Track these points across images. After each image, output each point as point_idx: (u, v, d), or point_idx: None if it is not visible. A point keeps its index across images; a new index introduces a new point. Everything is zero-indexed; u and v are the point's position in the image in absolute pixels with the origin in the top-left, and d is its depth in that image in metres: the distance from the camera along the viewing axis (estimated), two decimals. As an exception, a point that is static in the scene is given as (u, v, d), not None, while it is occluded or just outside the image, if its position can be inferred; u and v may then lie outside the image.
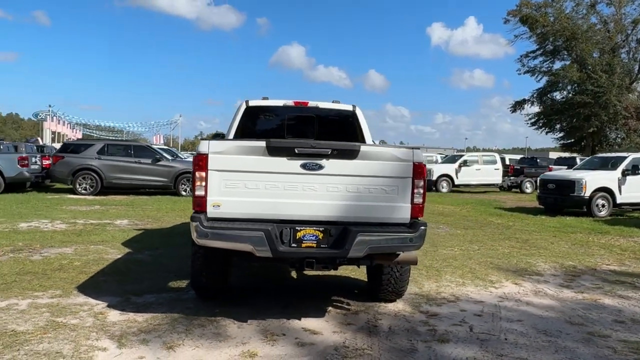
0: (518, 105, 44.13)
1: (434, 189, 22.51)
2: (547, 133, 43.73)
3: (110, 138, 72.48)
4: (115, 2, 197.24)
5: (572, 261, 7.75)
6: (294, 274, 6.30)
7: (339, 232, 4.12)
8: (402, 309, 5.03)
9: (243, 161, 4.10)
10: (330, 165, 4.13)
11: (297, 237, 4.14)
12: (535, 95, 42.53)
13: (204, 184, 4.07)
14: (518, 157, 33.28)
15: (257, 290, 5.67)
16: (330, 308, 4.98)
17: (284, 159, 4.09)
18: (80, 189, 15.74)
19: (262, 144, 4.07)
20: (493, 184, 24.05)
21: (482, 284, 6.13)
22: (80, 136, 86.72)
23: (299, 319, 4.59)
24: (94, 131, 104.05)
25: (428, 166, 24.02)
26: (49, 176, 16.60)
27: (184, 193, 16.37)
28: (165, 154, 17.41)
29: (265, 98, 6.41)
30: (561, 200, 14.65)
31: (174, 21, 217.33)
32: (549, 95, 42.08)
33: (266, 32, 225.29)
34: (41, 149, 20.60)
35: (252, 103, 6.31)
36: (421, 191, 4.24)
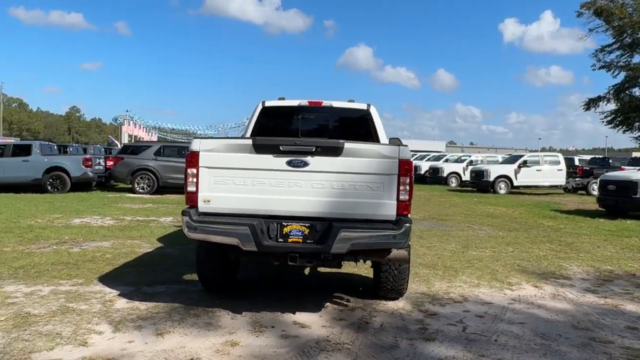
0: (592, 103, 41.67)
1: (491, 190, 21.85)
2: (624, 132, 41.09)
3: (168, 139, 75.56)
4: (189, 11, 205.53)
5: (611, 266, 7.33)
6: (306, 270, 6.41)
7: (324, 228, 4.20)
8: (402, 307, 5.01)
9: (231, 158, 4.27)
10: (315, 162, 4.21)
11: (284, 232, 4.25)
12: (611, 92, 40.01)
13: (195, 180, 4.28)
14: (591, 157, 31.64)
15: (265, 285, 5.84)
16: (328, 304, 5.05)
17: (270, 156, 4.22)
18: (138, 188, 16.68)
19: (249, 141, 4.23)
20: (556, 186, 22.95)
21: (498, 286, 5.96)
22: (155, 138, 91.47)
23: (294, 313, 4.70)
24: (168, 134, 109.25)
25: (485, 167, 23.42)
26: (111, 176, 17.71)
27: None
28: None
29: (281, 98, 6.56)
30: (622, 202, 13.76)
31: (244, 27, 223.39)
32: (627, 92, 39.48)
33: (333, 34, 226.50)
34: (109, 150, 21.96)
35: (268, 103, 6.49)
36: (407, 188, 4.22)
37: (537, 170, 22.56)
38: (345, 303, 5.10)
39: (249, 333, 4.18)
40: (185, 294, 5.20)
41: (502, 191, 22.04)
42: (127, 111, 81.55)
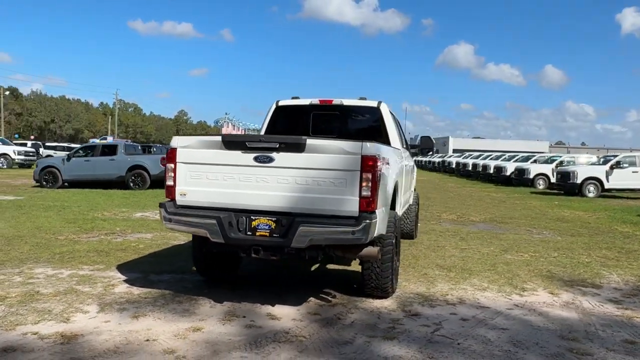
0: None
1: (578, 193, 20.33)
2: None
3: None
4: (287, 16, 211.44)
5: (662, 276, 6.63)
6: (313, 267, 6.50)
7: (288, 223, 4.29)
8: (386, 306, 4.95)
9: (205, 154, 4.50)
10: (280, 158, 4.32)
11: (252, 225, 4.40)
12: None
13: (172, 175, 4.57)
14: None
15: (265, 279, 6.02)
16: (313, 299, 5.11)
17: (239, 152, 4.40)
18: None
19: (219, 138, 4.44)
20: (656, 189, 20.80)
21: (508, 291, 5.66)
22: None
23: (273, 305, 4.83)
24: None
25: (572, 168, 21.81)
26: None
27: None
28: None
29: (295, 98, 6.72)
30: None
31: (341, 28, 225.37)
32: None
33: (432, 32, 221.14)
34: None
35: (281, 103, 6.68)
36: (369, 184, 4.19)
37: (634, 172, 20.60)
38: (330, 299, 5.13)
39: (218, 321, 4.37)
40: (184, 282, 5.53)
41: (591, 194, 20.40)
42: (225, 114, 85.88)
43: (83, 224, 9.33)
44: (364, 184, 4.19)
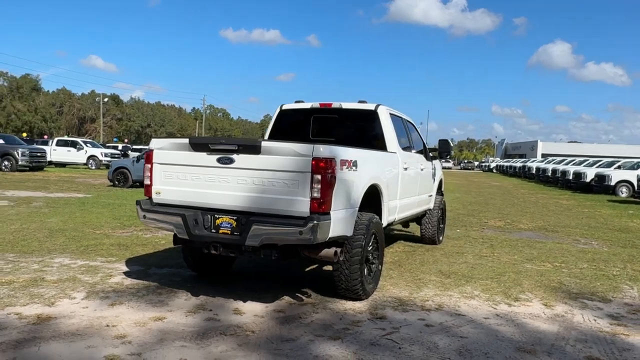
0: None
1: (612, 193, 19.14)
2: None
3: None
4: (372, 20, 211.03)
5: (692, 293, 6.05)
6: (308, 268, 6.61)
7: (245, 222, 4.47)
8: (354, 308, 4.96)
9: (176, 156, 4.80)
10: (240, 159, 4.51)
11: (216, 223, 4.63)
12: None
13: (149, 174, 4.91)
14: None
15: (255, 276, 6.20)
16: (287, 297, 5.23)
17: (204, 153, 4.64)
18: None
19: (187, 141, 4.70)
20: None
21: (497, 300, 5.45)
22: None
23: (244, 302, 5.02)
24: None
25: (605, 171, 20.36)
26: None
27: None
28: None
29: (299, 101, 6.88)
30: None
31: (428, 31, 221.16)
32: None
33: (524, 31, 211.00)
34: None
35: (285, 107, 6.87)
36: (319, 186, 4.25)
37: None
38: (303, 298, 5.23)
39: (184, 313, 4.63)
40: (176, 276, 5.86)
41: (624, 195, 18.70)
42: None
43: (126, 220, 10.06)
44: (314, 185, 4.26)
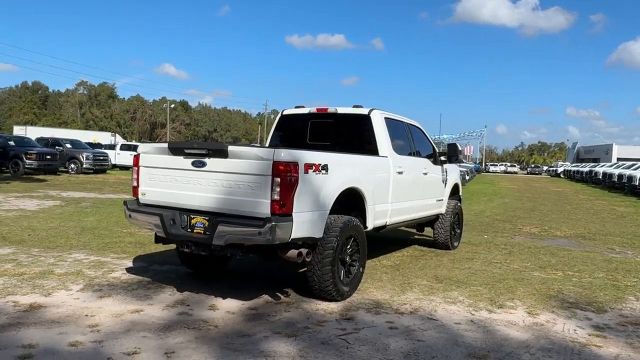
0: None
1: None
2: None
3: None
4: (437, 22, 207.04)
5: None
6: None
7: (214, 222, 4.71)
8: (328, 309, 5.07)
9: (158, 159, 5.12)
10: (211, 163, 4.76)
11: (192, 223, 4.90)
12: None
13: (136, 177, 5.27)
14: None
15: (249, 274, 6.43)
16: (266, 296, 5.42)
17: (181, 157, 4.93)
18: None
19: (165, 145, 5.02)
20: None
21: (479, 306, 5.38)
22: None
23: (224, 298, 5.26)
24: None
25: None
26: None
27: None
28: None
29: (299, 106, 7.07)
30: None
31: (496, 31, 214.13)
32: None
33: (602, 29, 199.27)
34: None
35: (285, 112, 7.09)
36: (278, 189, 4.41)
37: None
38: (281, 297, 5.40)
39: (162, 307, 4.93)
40: (171, 273, 6.20)
41: None
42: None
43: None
44: (274, 188, 4.43)
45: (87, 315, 4.59)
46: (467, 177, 31.45)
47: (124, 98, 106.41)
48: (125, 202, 5.38)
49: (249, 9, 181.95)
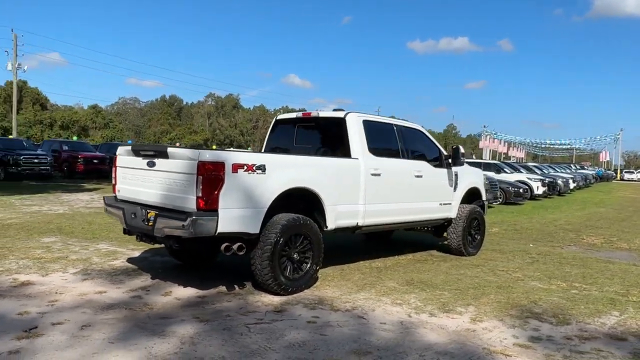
0: None
1: None
2: None
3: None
4: (573, 18, 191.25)
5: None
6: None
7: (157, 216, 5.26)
8: (268, 301, 5.35)
9: (127, 160, 5.81)
10: (159, 163, 5.31)
11: (148, 217, 5.50)
12: None
13: (114, 175, 6.01)
14: None
15: (233, 268, 6.86)
16: (223, 287, 5.83)
17: (140, 158, 5.56)
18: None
19: (130, 147, 5.67)
20: None
21: (425, 309, 5.32)
22: (523, 154, 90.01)
23: (184, 287, 5.76)
24: (545, 150, 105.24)
25: None
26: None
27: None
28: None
29: (290, 112, 7.41)
30: None
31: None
32: None
33: None
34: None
35: (279, 117, 7.48)
36: (201, 186, 4.83)
37: None
38: (237, 289, 5.77)
39: (124, 290, 5.56)
40: (163, 264, 6.86)
41: None
42: (484, 127, 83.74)
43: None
44: (199, 185, 4.86)
45: (56, 293, 5.37)
46: (571, 184, 29.01)
47: (248, 108, 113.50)
48: (104, 198, 6.16)
49: (370, 18, 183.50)
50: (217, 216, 4.91)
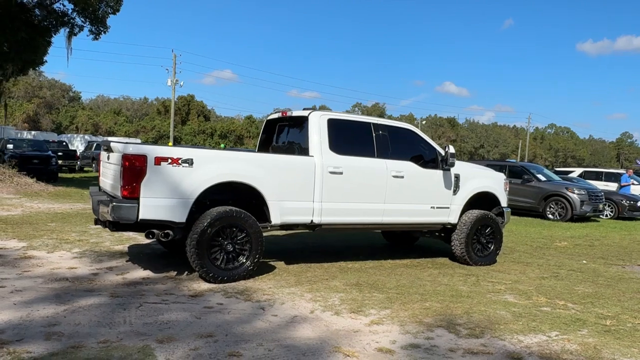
0: None
1: None
2: None
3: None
4: None
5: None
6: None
7: (106, 203, 5.95)
8: (195, 287, 5.70)
9: (103, 155, 6.63)
10: (110, 156, 6.02)
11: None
12: None
13: (98, 169, 6.89)
14: None
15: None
16: (175, 272, 6.32)
17: (107, 153, 6.32)
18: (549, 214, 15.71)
19: (104, 144, 6.48)
20: None
21: (333, 308, 5.24)
22: None
23: (144, 270, 6.40)
24: None
25: None
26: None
27: (550, 217, 15.09)
28: (538, 175, 16.29)
29: (276, 111, 7.67)
30: None
31: None
32: None
33: None
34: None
35: (269, 117, 7.79)
36: (124, 176, 5.39)
37: None
38: (185, 274, 6.21)
39: (95, 269, 6.35)
40: (153, 250, 7.61)
41: None
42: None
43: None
44: (122, 175, 5.44)
45: (39, 266, 6.36)
46: None
47: (391, 115, 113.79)
48: (89, 187, 7.08)
49: (534, 19, 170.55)
50: (138, 204, 5.44)
